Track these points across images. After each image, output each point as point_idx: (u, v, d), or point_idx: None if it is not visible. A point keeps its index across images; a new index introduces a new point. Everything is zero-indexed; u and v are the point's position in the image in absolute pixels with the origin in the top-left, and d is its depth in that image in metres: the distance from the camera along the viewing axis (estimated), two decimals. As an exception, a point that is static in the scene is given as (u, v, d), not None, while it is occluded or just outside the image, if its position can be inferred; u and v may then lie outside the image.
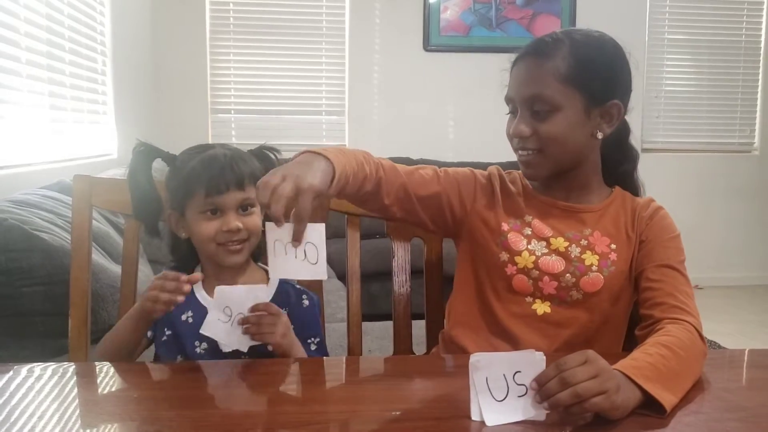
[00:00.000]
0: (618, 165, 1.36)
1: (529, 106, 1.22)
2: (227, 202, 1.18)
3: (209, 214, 1.19)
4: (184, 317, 1.20)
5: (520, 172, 1.37)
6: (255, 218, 1.21)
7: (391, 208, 1.26)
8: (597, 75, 1.23)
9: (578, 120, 1.22)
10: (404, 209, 1.27)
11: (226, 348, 1.13)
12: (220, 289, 1.13)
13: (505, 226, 1.28)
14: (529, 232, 1.27)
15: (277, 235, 1.02)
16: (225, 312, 1.13)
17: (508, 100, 1.28)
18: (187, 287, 1.11)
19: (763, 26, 5.02)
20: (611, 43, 1.28)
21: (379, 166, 1.22)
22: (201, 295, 1.21)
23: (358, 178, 1.14)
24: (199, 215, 1.19)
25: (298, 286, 1.30)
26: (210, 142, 1.28)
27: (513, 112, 1.27)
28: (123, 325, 1.20)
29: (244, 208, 1.20)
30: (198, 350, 1.19)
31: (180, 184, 1.21)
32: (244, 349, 1.13)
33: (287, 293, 1.27)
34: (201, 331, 1.13)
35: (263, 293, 1.17)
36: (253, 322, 1.12)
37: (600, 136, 1.26)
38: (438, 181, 1.30)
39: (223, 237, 1.18)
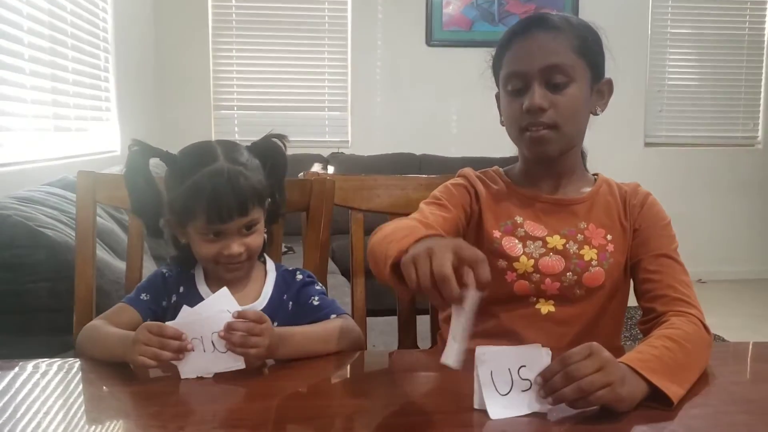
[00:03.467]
0: None
1: (545, 77, 1.18)
2: (230, 228, 1.14)
3: (210, 236, 1.15)
4: None
5: (495, 168, 1.35)
6: (256, 237, 1.18)
7: None
8: (597, 50, 1.23)
9: (586, 95, 1.22)
10: None
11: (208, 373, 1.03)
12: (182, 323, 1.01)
13: (496, 233, 1.25)
14: (522, 233, 1.24)
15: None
16: (194, 341, 1.01)
17: (515, 75, 1.21)
18: (190, 346, 1.00)
19: (767, 20, 5.00)
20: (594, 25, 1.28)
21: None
22: (205, 292, 1.20)
23: None
24: (198, 236, 1.15)
25: (290, 268, 1.28)
26: (213, 138, 1.22)
27: (518, 90, 1.21)
28: (104, 344, 1.10)
29: (247, 227, 1.16)
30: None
31: (180, 200, 1.14)
32: (242, 366, 1.02)
33: (285, 279, 1.25)
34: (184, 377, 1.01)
35: (231, 303, 1.04)
36: (237, 342, 1.00)
37: (599, 112, 1.26)
38: (448, 210, 1.25)
39: (224, 259, 1.15)
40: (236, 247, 1.14)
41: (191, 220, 1.14)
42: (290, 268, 1.28)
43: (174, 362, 1.00)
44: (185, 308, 1.03)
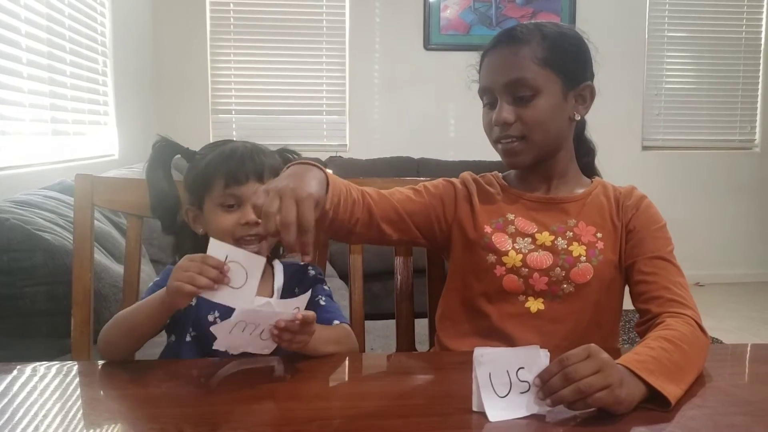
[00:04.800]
0: (578, 158, 1.37)
1: (510, 92, 1.22)
2: (246, 193, 1.17)
3: (227, 207, 1.18)
4: (211, 317, 1.17)
5: (494, 173, 1.38)
6: None
7: (387, 232, 1.24)
8: (570, 57, 1.25)
9: (557, 103, 1.24)
10: (399, 230, 1.26)
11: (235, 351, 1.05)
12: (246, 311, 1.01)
13: (487, 229, 1.27)
14: (513, 230, 1.27)
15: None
16: (249, 325, 1.02)
17: (485, 91, 1.27)
18: (227, 280, 1.01)
19: (764, 22, 5.02)
20: (575, 30, 1.31)
21: (364, 192, 1.20)
22: None
23: (348, 201, 1.13)
24: (217, 207, 1.18)
25: (300, 263, 1.30)
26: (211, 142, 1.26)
27: (490, 104, 1.27)
28: (139, 309, 1.11)
29: None
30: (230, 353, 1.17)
31: (198, 176, 1.20)
32: (267, 352, 1.06)
33: (295, 273, 1.27)
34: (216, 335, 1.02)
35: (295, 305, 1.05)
36: (286, 339, 1.02)
37: (577, 117, 1.27)
38: (421, 195, 1.31)
39: (242, 230, 1.17)
40: (253, 215, 1.15)
41: (209, 192, 1.19)
42: (300, 263, 1.30)
43: (213, 331, 1.01)
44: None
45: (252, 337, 1.03)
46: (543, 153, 1.26)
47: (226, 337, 1.02)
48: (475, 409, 0.88)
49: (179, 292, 1.01)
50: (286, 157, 1.32)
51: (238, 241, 1.17)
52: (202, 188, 1.20)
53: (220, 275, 1.00)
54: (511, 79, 1.22)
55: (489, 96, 1.27)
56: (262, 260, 1.03)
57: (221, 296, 1.02)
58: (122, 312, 1.14)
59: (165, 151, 1.25)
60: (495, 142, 1.27)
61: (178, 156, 1.28)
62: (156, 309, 1.08)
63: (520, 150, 1.24)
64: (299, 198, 0.94)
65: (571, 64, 1.25)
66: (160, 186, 1.25)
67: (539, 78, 1.21)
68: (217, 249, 1.02)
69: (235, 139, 1.37)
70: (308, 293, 1.08)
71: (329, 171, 1.07)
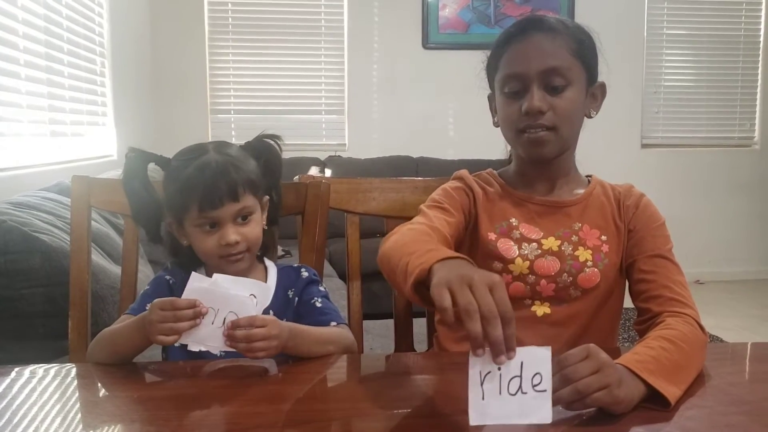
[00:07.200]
0: None
1: (544, 80, 1.19)
2: (223, 215, 1.15)
3: (207, 228, 1.16)
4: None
5: (489, 170, 1.35)
6: (253, 227, 1.19)
7: None
8: (592, 53, 1.24)
9: (582, 97, 1.23)
10: None
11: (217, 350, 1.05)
12: (211, 290, 1.02)
13: (491, 236, 1.24)
14: (518, 236, 1.24)
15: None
16: (209, 313, 1.02)
17: (512, 78, 1.21)
18: (205, 309, 1.02)
19: (762, 20, 5.02)
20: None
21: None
22: None
23: None
24: (195, 229, 1.16)
25: (294, 265, 1.29)
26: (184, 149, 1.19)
27: (515, 92, 1.21)
28: (121, 335, 1.11)
29: (243, 217, 1.17)
30: (218, 353, 1.17)
31: (174, 195, 1.17)
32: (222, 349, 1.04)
33: (288, 275, 1.26)
34: (190, 348, 1.03)
35: (260, 293, 1.08)
36: (243, 349, 1.02)
37: (593, 115, 1.26)
38: (452, 214, 1.24)
39: (223, 250, 1.15)
40: (233, 235, 1.15)
41: (186, 214, 1.16)
42: (294, 265, 1.29)
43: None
44: (216, 276, 1.05)
45: (219, 330, 1.02)
46: (564, 147, 1.24)
47: (194, 333, 1.01)
48: (472, 423, 0.86)
49: (165, 343, 1.04)
50: (266, 145, 1.29)
51: (223, 259, 1.17)
52: (179, 209, 1.17)
53: (197, 311, 1.01)
54: (548, 67, 1.18)
55: (516, 83, 1.21)
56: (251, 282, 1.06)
57: (199, 338, 1.03)
58: (106, 333, 1.14)
59: (138, 161, 1.21)
60: (520, 131, 1.22)
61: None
62: (137, 338, 1.07)
63: (548, 140, 1.20)
64: (493, 283, 0.80)
65: (593, 60, 1.24)
66: (138, 196, 1.22)
67: (574, 69, 1.20)
68: (200, 282, 1.03)
69: (234, 138, 1.36)
70: (267, 285, 1.13)
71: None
